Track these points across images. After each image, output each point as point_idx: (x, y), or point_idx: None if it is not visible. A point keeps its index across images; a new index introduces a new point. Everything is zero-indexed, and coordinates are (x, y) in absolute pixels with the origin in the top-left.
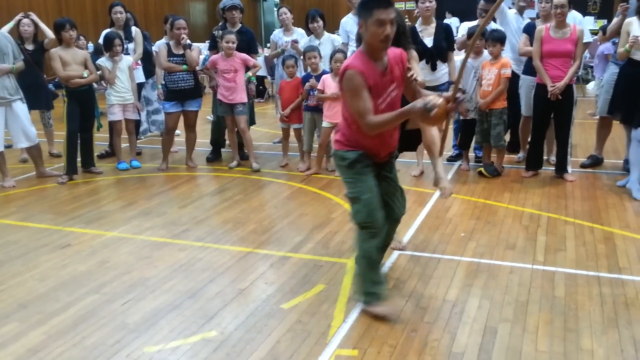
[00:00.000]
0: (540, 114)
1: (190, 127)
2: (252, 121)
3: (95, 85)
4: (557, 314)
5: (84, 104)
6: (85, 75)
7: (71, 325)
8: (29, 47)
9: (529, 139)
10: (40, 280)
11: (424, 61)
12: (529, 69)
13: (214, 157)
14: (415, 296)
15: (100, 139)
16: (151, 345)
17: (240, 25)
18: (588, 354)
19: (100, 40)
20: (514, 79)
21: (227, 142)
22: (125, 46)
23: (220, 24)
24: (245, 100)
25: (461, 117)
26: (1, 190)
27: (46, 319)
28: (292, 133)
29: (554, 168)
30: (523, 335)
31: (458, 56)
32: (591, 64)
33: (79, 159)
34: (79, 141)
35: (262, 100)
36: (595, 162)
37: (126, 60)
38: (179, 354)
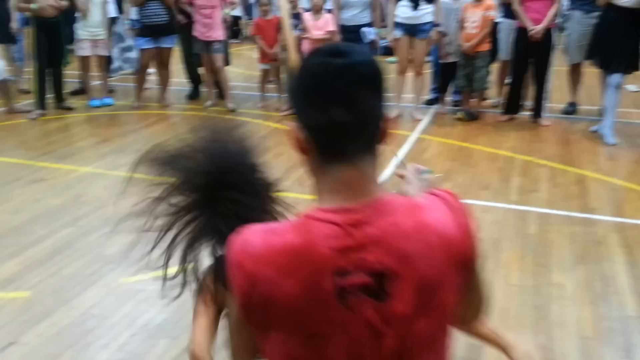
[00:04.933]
0: (519, 58)
1: (164, 65)
2: (226, 62)
3: None
4: (529, 251)
5: (51, 36)
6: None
7: (47, 257)
8: None
9: (508, 83)
10: (14, 213)
11: None
12: (508, 13)
13: (194, 94)
14: None
15: (72, 76)
16: (127, 276)
17: None
18: (558, 287)
19: None
20: None
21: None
22: None
23: None
24: (222, 37)
25: (440, 61)
26: None
27: (21, 251)
28: None
29: (529, 113)
30: (495, 270)
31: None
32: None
33: (50, 95)
34: (48, 77)
35: (237, 41)
36: (572, 108)
37: None
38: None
